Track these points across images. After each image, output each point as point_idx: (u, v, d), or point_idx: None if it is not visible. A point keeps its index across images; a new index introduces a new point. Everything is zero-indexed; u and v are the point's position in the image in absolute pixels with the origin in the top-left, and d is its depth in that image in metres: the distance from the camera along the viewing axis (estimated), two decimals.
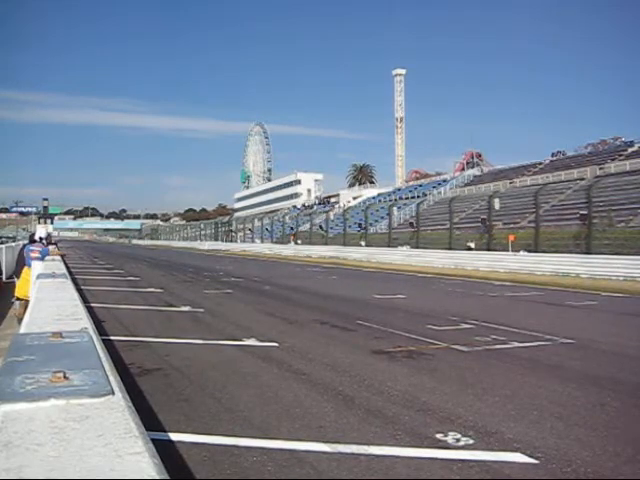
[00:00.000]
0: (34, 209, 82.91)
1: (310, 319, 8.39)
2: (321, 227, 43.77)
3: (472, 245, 26.67)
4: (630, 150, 40.31)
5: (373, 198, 62.23)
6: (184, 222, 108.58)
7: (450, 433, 3.53)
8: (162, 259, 31.37)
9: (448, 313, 9.05)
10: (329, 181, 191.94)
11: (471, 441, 3.42)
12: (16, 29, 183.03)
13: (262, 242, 50.22)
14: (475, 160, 61.82)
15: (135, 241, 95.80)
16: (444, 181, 56.97)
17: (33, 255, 8.53)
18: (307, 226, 46.45)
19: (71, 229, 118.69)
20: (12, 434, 0.98)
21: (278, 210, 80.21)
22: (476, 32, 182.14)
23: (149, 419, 3.62)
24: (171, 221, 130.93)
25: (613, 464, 3.13)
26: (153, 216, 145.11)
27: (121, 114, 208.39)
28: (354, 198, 68.31)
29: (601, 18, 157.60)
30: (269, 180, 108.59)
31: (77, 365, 1.36)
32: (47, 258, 8.87)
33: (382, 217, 47.48)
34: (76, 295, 3.49)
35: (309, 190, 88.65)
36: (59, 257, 11.17)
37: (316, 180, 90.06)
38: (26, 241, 11.77)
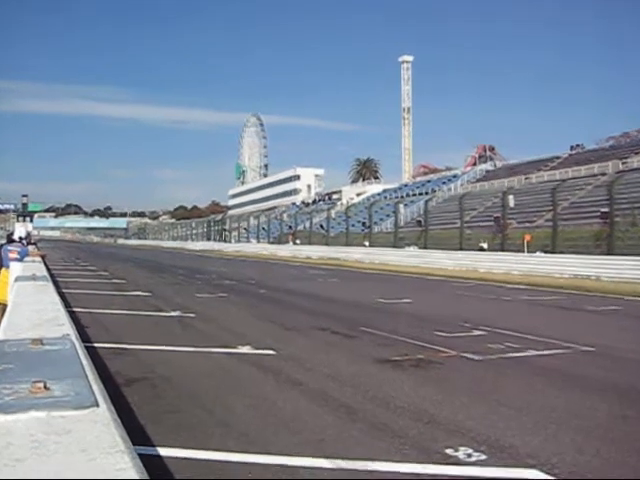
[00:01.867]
0: (12, 206, 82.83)
1: (309, 325, 8.39)
2: (322, 226, 43.78)
3: (484, 245, 26.66)
4: None
5: (378, 195, 62.24)
6: (174, 220, 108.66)
7: (461, 448, 3.53)
8: (150, 260, 31.35)
9: (459, 319, 9.06)
10: (330, 176, 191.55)
11: (483, 457, 3.41)
12: None
13: (258, 242, 50.24)
14: (488, 154, 61.81)
15: (121, 241, 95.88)
16: (454, 176, 56.94)
17: (11, 256, 8.54)
18: (306, 225, 46.42)
19: (52, 228, 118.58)
20: None
21: (275, 207, 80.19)
22: (489, 16, 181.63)
23: (136, 433, 3.61)
24: (160, 219, 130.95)
25: None
26: (141, 214, 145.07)
27: (105, 104, 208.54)
28: (357, 195, 68.31)
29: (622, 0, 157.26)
30: (266, 175, 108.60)
31: (59, 374, 1.36)
32: (26, 259, 8.88)
33: (387, 215, 47.44)
34: (57, 299, 3.49)
35: (309, 186, 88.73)
36: (39, 258, 11.16)
37: (316, 175, 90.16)
38: (3, 241, 11.79)
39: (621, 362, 6.11)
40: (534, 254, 22.03)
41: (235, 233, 59.09)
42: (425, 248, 28.31)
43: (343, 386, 4.94)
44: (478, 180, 52.46)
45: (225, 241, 59.17)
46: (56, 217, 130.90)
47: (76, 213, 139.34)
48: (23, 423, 1.09)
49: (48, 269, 9.78)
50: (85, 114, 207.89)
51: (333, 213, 45.38)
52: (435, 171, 71.75)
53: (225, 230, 62.25)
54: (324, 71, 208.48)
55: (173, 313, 9.45)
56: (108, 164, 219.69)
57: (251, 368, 5.59)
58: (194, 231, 70.49)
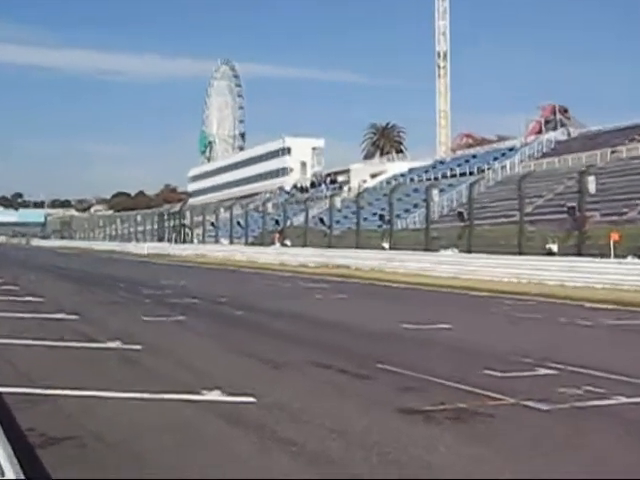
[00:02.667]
0: None
1: (305, 360, 8.43)
2: (322, 220, 43.84)
3: (554, 248, 26.65)
4: None
5: (402, 176, 62.32)
6: (112, 213, 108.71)
7: None
8: (78, 269, 31.34)
9: (517, 352, 9.07)
10: (334, 150, 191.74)
11: None
12: None
13: (231, 243, 50.27)
14: (558, 118, 61.76)
15: (36, 241, 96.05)
16: (511, 150, 56.99)
17: None
18: (300, 219, 46.45)
19: None
20: None
21: (256, 194, 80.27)
22: None
23: None
24: (92, 211, 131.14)
25: None
26: (65, 204, 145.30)
27: (14, 47, 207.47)
28: (373, 176, 68.38)
29: None
30: (242, 149, 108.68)
31: None
32: None
33: (415, 205, 47.45)
34: None
35: (303, 164, 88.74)
36: None
37: (314, 149, 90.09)
38: None
39: None
40: (624, 260, 22.01)
41: (199, 230, 59.13)
42: (469, 252, 28.29)
43: (352, 447, 4.94)
44: (544, 155, 52.50)
45: (184, 242, 59.18)
46: None
47: None
48: None
49: None
50: None
51: (338, 202, 45.43)
52: (483, 142, 71.79)
53: (184, 226, 62.28)
54: (324, 1, 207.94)
55: (111, 344, 9.43)
56: (16, 134, 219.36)
57: (222, 423, 5.58)
58: (140, 228, 70.50)
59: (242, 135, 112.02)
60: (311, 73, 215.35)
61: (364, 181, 66.16)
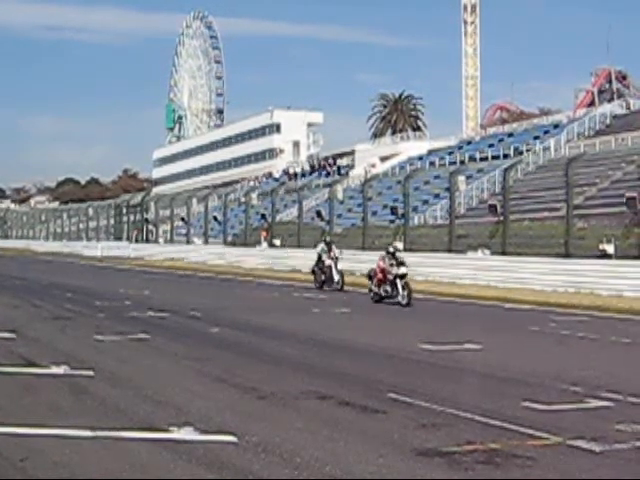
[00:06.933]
0: None
1: (299, 390, 8.39)
2: (320, 215, 43.72)
3: (609, 249, 26.60)
4: None
5: (419, 159, 62.24)
6: (57, 205, 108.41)
7: None
8: (14, 275, 31.26)
9: (563, 379, 9.07)
10: (335, 127, 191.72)
11: None
12: None
13: (206, 242, 50.15)
14: (615, 86, 61.77)
15: None
16: (556, 126, 56.94)
17: None
18: (293, 212, 46.36)
19: None
20: None
21: (238, 182, 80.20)
22: None
23: None
24: (32, 203, 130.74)
25: None
26: None
27: None
28: (383, 159, 68.28)
29: None
30: (219, 126, 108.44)
31: None
32: None
33: (437, 195, 47.42)
34: None
35: (296, 144, 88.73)
36: None
37: (310, 125, 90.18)
38: None
39: None
40: None
41: (166, 227, 58.97)
42: (503, 253, 28.26)
43: None
44: (598, 133, 52.41)
45: (148, 241, 59.01)
46: None
47: None
48: None
49: None
50: None
51: (340, 191, 45.30)
52: (521, 117, 71.80)
53: (147, 222, 62.07)
54: None
55: (56, 369, 9.41)
56: None
57: (195, 468, 5.53)
58: (92, 223, 70.26)
59: (220, 112, 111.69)
60: (306, 30, 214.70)
61: (372, 166, 66.07)
